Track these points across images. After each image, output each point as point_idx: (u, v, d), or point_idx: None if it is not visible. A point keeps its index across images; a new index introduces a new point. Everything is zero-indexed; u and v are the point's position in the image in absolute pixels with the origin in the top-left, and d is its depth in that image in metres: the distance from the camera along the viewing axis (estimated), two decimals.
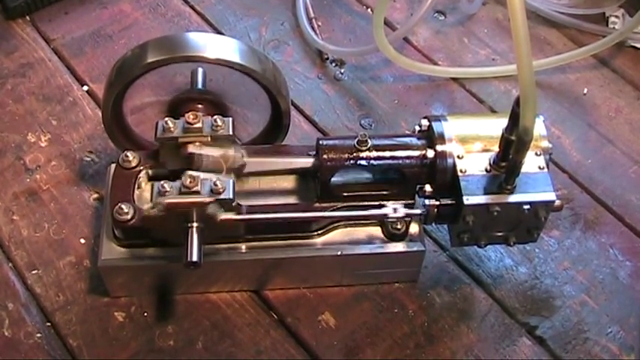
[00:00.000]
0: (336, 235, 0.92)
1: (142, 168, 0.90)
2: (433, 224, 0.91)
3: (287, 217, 0.89)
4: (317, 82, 1.19)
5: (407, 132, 1.05)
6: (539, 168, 0.85)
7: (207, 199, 0.83)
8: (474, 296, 0.97)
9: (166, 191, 0.83)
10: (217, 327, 0.93)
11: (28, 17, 1.25)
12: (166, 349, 0.91)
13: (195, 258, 0.82)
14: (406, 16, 1.27)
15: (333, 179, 0.89)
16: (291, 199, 0.93)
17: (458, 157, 0.86)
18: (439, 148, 0.87)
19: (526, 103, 0.73)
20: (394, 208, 0.87)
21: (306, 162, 0.90)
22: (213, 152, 0.87)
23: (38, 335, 0.92)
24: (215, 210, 0.84)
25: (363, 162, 0.88)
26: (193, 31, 1.23)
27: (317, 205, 0.90)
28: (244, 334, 0.93)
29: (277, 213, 0.89)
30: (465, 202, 0.83)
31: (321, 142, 0.89)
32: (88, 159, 1.07)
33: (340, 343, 0.92)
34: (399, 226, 0.91)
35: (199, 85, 0.96)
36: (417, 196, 0.91)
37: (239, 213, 0.87)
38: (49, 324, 0.93)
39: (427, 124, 0.89)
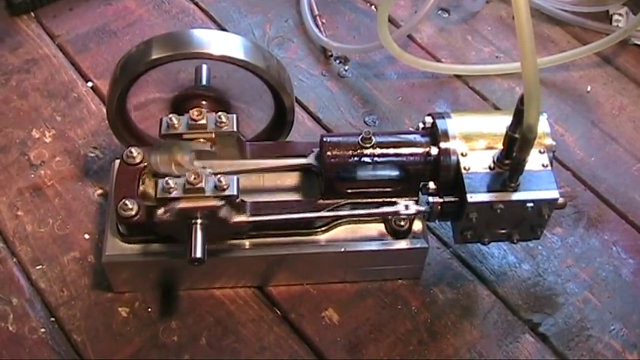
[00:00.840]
0: (340, 231, 0.92)
1: (146, 164, 0.90)
2: (436, 221, 0.91)
3: (295, 217, 0.88)
4: (321, 79, 1.19)
5: (411, 129, 1.05)
6: (543, 166, 0.85)
7: (220, 203, 0.83)
8: (477, 293, 0.97)
9: (170, 187, 0.83)
10: (221, 323, 0.93)
11: (32, 13, 1.25)
12: (170, 345, 0.92)
13: (199, 254, 0.82)
14: (410, 14, 1.27)
15: (336, 176, 0.89)
16: (295, 196, 0.94)
17: (461, 154, 0.86)
18: (443, 145, 0.87)
19: (530, 101, 0.73)
20: (406, 205, 0.87)
21: (310, 159, 0.91)
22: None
23: (42, 330, 0.92)
24: (227, 213, 0.84)
25: (367, 159, 0.88)
26: (197, 27, 1.23)
27: (321, 201, 0.90)
28: (248, 330, 0.93)
29: (285, 211, 0.88)
30: (469, 199, 0.83)
31: (324, 139, 0.89)
32: (93, 155, 1.08)
33: (343, 340, 0.93)
34: (402, 223, 0.91)
35: (203, 82, 0.96)
36: (420, 193, 0.91)
37: (243, 210, 0.87)
38: (53, 319, 0.93)
39: (431, 121, 0.89)
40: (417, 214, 0.89)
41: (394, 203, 0.88)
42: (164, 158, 0.85)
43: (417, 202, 0.90)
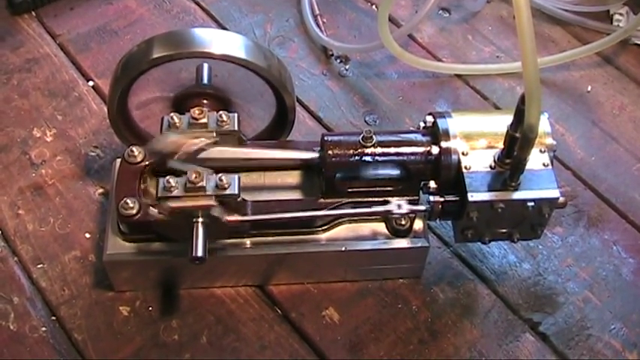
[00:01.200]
0: (341, 230, 0.93)
1: (147, 163, 0.90)
2: (437, 220, 0.91)
3: (292, 217, 0.89)
4: (322, 78, 1.19)
5: (411, 128, 1.05)
6: (544, 165, 0.85)
7: (211, 202, 0.83)
8: (477, 292, 0.97)
9: (172, 186, 0.83)
10: (222, 322, 0.93)
11: (33, 13, 1.25)
12: (171, 344, 0.92)
13: (200, 253, 0.82)
14: (411, 13, 1.27)
15: (337, 175, 0.89)
16: (296, 195, 0.94)
17: (462, 153, 0.86)
18: (444, 144, 0.87)
19: (531, 101, 0.73)
20: (398, 204, 0.88)
21: (311, 157, 0.91)
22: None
23: (43, 329, 0.92)
24: (219, 212, 0.84)
25: (368, 158, 0.88)
26: (198, 27, 1.23)
27: (321, 200, 0.90)
28: (248, 329, 0.93)
29: (282, 211, 0.89)
30: (470, 198, 0.83)
31: (325, 138, 0.89)
32: (94, 154, 1.08)
33: (344, 339, 0.93)
34: (403, 222, 0.91)
35: (205, 81, 0.96)
36: (421, 192, 0.91)
37: (244, 209, 0.87)
38: (54, 318, 0.93)
39: (432, 120, 0.89)
40: (409, 213, 0.89)
41: (387, 202, 0.88)
42: (172, 141, 0.86)
43: (416, 202, 0.90)
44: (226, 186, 0.84)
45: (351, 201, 0.90)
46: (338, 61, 1.22)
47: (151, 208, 0.86)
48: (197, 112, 0.88)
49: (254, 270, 0.94)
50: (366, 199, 0.90)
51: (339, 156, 0.88)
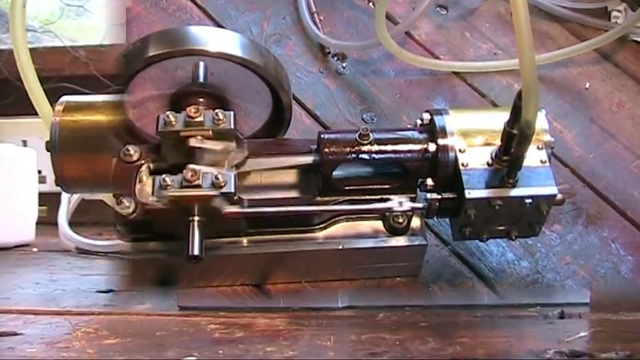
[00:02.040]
0: (338, 229, 0.92)
1: (143, 162, 0.90)
2: (435, 218, 0.91)
3: (290, 210, 0.88)
4: (319, 76, 1.19)
5: (409, 126, 1.05)
6: (541, 162, 0.85)
7: (212, 193, 0.83)
8: (475, 291, 0.97)
9: (168, 185, 0.83)
10: None
11: None
12: None
13: (196, 252, 0.82)
14: (408, 10, 1.27)
15: (334, 173, 0.88)
16: (293, 193, 0.93)
17: (460, 150, 0.86)
18: (441, 141, 0.86)
19: (528, 97, 0.73)
20: (399, 202, 0.87)
21: (308, 156, 0.90)
22: (215, 146, 0.87)
23: None
24: (220, 203, 0.84)
25: (365, 156, 0.87)
26: (195, 25, 1.23)
27: (319, 199, 0.90)
28: None
29: (280, 207, 0.88)
30: (467, 195, 0.83)
31: (322, 135, 0.89)
32: None
33: None
34: (400, 220, 0.91)
35: (201, 79, 0.95)
36: (418, 190, 0.91)
37: (241, 207, 0.87)
38: None
39: (429, 117, 0.89)
40: (411, 210, 0.88)
41: (388, 200, 0.88)
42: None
43: (413, 199, 0.90)
44: (222, 184, 0.83)
45: (348, 199, 0.90)
46: (335, 58, 1.21)
47: (149, 198, 0.85)
48: (193, 110, 0.87)
49: (251, 269, 0.94)
50: (363, 197, 0.90)
51: (336, 154, 0.87)
